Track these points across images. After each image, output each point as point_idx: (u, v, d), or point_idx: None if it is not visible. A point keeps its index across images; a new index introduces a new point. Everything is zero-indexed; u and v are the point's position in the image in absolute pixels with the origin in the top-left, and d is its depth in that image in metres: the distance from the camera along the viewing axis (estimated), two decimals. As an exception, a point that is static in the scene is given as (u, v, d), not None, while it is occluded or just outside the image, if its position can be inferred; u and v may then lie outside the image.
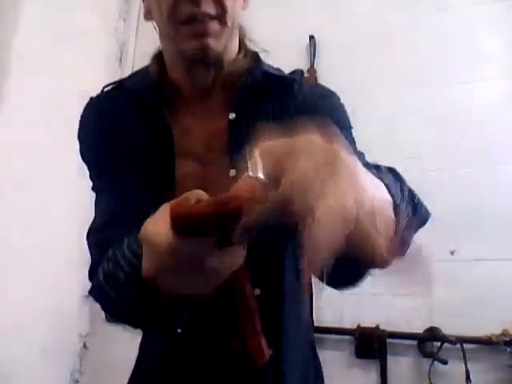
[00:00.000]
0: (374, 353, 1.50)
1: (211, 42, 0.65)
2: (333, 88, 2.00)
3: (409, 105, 1.72)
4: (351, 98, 1.94)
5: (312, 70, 1.86)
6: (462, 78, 1.68)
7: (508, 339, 1.39)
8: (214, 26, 0.64)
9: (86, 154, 0.81)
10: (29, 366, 1.65)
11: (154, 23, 0.71)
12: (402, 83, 1.76)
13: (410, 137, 1.69)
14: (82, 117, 0.81)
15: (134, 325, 0.64)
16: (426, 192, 1.79)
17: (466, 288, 1.49)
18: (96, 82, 2.13)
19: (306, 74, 1.87)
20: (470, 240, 1.53)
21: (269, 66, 0.77)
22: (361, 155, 0.75)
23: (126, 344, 1.85)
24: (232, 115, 0.70)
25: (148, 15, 0.73)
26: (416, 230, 0.64)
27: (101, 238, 0.69)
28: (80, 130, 0.81)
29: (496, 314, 1.43)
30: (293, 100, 0.75)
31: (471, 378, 1.38)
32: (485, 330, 1.42)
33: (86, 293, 1.82)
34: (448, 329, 1.45)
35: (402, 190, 0.59)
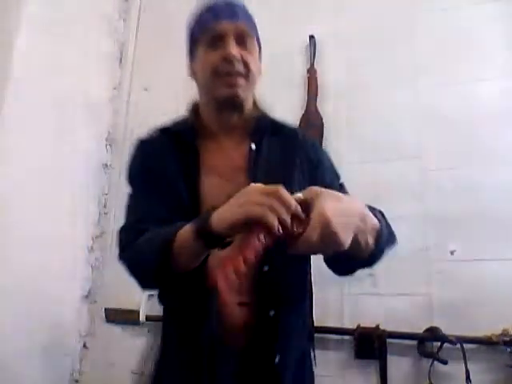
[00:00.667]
0: (374, 353, 1.50)
1: (239, 91, 0.94)
2: (333, 88, 2.02)
3: (409, 105, 1.72)
4: (351, 98, 1.96)
5: (312, 69, 1.86)
6: (462, 78, 1.68)
7: (508, 339, 1.39)
8: (242, 80, 0.94)
9: (132, 179, 1.01)
10: (29, 366, 1.65)
11: (197, 81, 1.01)
12: (401, 83, 1.76)
13: (409, 137, 1.69)
14: (132, 152, 1.03)
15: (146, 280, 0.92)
16: (426, 192, 1.80)
17: (466, 288, 1.49)
18: (96, 82, 2.16)
19: (306, 74, 1.87)
20: (470, 240, 1.53)
21: (274, 118, 1.06)
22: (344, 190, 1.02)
23: (126, 344, 1.86)
24: (253, 145, 0.97)
25: (192, 75, 1.03)
26: (389, 247, 0.86)
27: (133, 229, 0.91)
28: (129, 161, 1.02)
29: (496, 314, 1.43)
30: (296, 139, 1.03)
31: (471, 378, 1.37)
32: (485, 330, 1.42)
33: (86, 293, 1.87)
34: (448, 329, 1.44)
35: (383, 216, 0.88)
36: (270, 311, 0.88)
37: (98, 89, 2.13)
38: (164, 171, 0.94)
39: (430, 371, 1.42)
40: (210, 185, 0.92)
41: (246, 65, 0.94)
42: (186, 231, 0.76)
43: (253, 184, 0.71)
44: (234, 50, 0.93)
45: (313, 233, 0.67)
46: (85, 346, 1.95)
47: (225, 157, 0.97)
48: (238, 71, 0.93)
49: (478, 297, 1.46)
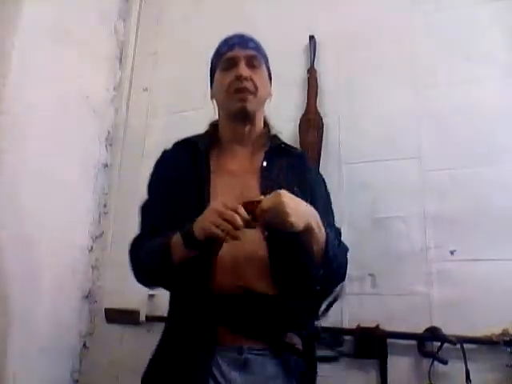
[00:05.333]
0: (374, 353, 1.50)
1: (248, 105, 1.12)
2: (333, 88, 2.02)
3: (409, 105, 1.72)
4: (351, 98, 1.96)
5: (312, 69, 1.86)
6: (462, 78, 1.68)
7: (508, 339, 1.39)
8: (250, 96, 1.13)
9: (152, 183, 1.20)
10: (29, 366, 1.65)
11: (216, 100, 1.21)
12: (401, 83, 1.75)
13: (409, 137, 1.69)
14: (156, 161, 1.22)
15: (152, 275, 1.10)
16: (426, 192, 1.80)
17: (466, 288, 1.49)
18: (96, 82, 2.16)
19: (306, 74, 1.87)
20: (470, 240, 1.53)
21: (283, 141, 1.25)
22: (330, 214, 1.19)
23: (126, 344, 1.86)
24: (265, 163, 1.14)
25: (212, 96, 1.23)
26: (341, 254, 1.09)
27: (145, 235, 1.13)
28: (153, 168, 1.22)
29: (496, 314, 1.43)
30: (302, 162, 1.23)
31: (471, 377, 1.37)
32: (485, 330, 1.42)
33: (86, 293, 1.87)
34: (448, 329, 1.44)
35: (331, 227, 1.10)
36: (291, 303, 0.99)
37: (97, 89, 2.13)
38: (177, 176, 1.12)
39: (429, 371, 1.42)
40: (221, 183, 1.09)
41: (254, 84, 1.13)
42: (178, 238, 0.97)
43: (216, 201, 0.96)
44: (244, 70, 1.12)
45: (265, 203, 0.91)
46: (85, 346, 1.95)
47: (237, 162, 1.16)
48: (247, 88, 1.12)
49: (478, 297, 1.46)
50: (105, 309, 1.93)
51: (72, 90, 1.95)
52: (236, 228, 0.88)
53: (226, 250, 0.96)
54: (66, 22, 1.91)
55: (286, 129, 1.64)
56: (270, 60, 1.25)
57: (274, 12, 1.99)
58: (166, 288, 1.12)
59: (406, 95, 1.74)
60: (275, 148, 1.18)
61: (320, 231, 0.98)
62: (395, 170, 1.67)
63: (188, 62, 2.13)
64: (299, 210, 0.93)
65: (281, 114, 1.55)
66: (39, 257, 1.73)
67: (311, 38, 1.89)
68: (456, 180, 1.59)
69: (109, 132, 2.17)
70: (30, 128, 1.72)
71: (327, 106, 1.82)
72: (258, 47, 1.20)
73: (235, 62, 1.14)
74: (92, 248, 2.02)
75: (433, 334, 1.45)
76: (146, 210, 1.18)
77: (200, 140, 1.18)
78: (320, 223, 0.99)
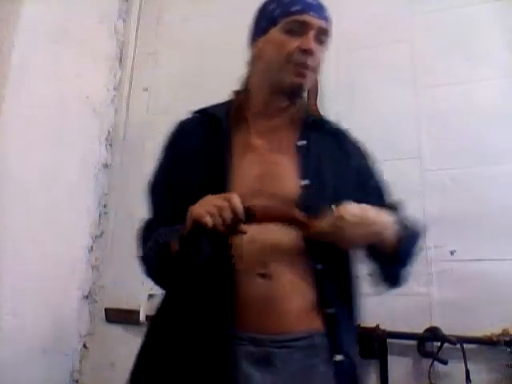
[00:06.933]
0: (374, 353, 1.50)
1: (305, 82, 0.99)
2: (333, 88, 2.01)
3: (408, 105, 1.72)
4: (351, 98, 1.95)
5: (312, 69, 1.85)
6: (462, 78, 1.68)
7: (508, 339, 1.39)
8: (310, 73, 0.98)
9: (163, 160, 1.06)
10: (29, 366, 1.65)
11: (260, 58, 1.02)
12: (401, 83, 1.75)
13: (409, 137, 1.69)
14: (169, 133, 1.09)
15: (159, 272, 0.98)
16: (426, 192, 1.80)
17: (466, 288, 1.49)
18: (96, 81, 2.16)
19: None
20: (470, 240, 1.53)
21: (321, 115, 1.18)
22: (384, 192, 1.09)
23: (126, 344, 1.86)
24: (302, 142, 1.00)
25: (257, 53, 1.02)
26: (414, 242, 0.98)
27: (151, 226, 1.01)
28: (165, 140, 1.08)
29: (496, 313, 1.43)
30: (343, 140, 1.08)
31: (471, 377, 1.37)
32: (485, 330, 1.42)
33: (86, 293, 1.87)
34: (448, 329, 1.44)
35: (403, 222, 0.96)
36: (328, 309, 0.89)
37: (97, 89, 2.13)
38: (192, 155, 0.99)
39: (429, 371, 1.42)
40: (244, 163, 0.96)
41: (316, 60, 0.99)
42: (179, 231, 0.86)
43: (209, 196, 0.82)
44: (314, 46, 0.96)
45: (326, 223, 0.82)
46: (85, 346, 1.95)
47: (266, 137, 1.01)
48: (310, 64, 0.97)
49: (478, 297, 1.46)
50: (105, 309, 1.93)
51: (72, 90, 1.95)
52: (226, 224, 0.78)
53: (250, 236, 0.83)
54: (66, 21, 1.91)
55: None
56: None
57: (274, 12, 1.99)
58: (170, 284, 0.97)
59: (406, 95, 1.74)
60: (313, 123, 1.05)
61: (391, 231, 0.87)
62: (395, 170, 1.67)
63: (188, 62, 2.13)
64: (365, 228, 0.83)
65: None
66: (39, 256, 1.73)
67: (311, 38, 1.89)
68: (456, 180, 1.59)
69: (109, 132, 2.17)
70: (30, 128, 1.72)
71: (327, 106, 1.82)
72: (330, 19, 1.03)
73: (305, 29, 0.96)
74: (92, 248, 2.02)
75: (433, 333, 1.45)
76: (155, 191, 1.04)
77: (221, 112, 1.03)
78: (391, 223, 0.88)
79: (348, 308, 0.95)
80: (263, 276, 0.87)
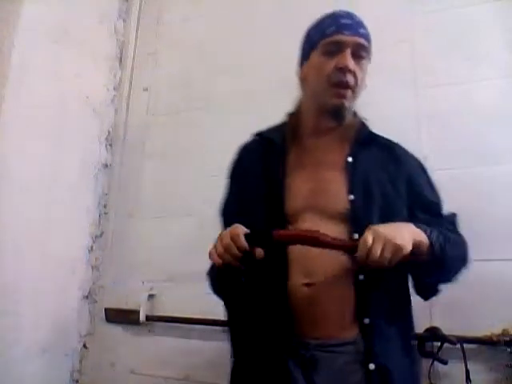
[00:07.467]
0: (374, 353, 1.50)
1: (345, 102, 1.03)
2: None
3: (409, 105, 1.72)
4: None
5: (312, 69, 1.85)
6: (462, 78, 1.68)
7: (508, 339, 1.39)
8: (349, 93, 1.02)
9: (228, 184, 1.15)
10: (29, 367, 1.65)
11: (306, 83, 1.09)
12: (401, 83, 1.75)
13: (409, 137, 1.68)
14: (234, 155, 1.16)
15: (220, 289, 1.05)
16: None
17: (466, 288, 1.48)
18: (96, 81, 2.16)
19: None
20: (470, 240, 1.52)
21: (372, 131, 1.13)
22: (436, 205, 1.12)
23: (126, 344, 1.86)
24: (350, 159, 1.03)
25: (302, 76, 1.10)
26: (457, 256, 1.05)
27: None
28: (230, 164, 1.17)
29: (496, 313, 1.43)
30: (396, 154, 1.09)
31: (471, 377, 1.37)
32: (485, 330, 1.42)
33: (86, 293, 1.88)
34: (448, 329, 1.44)
35: (441, 234, 0.98)
36: (364, 319, 0.92)
37: (97, 89, 2.13)
38: (250, 171, 1.08)
39: (429, 371, 1.42)
40: (296, 180, 1.01)
41: (356, 78, 1.02)
42: None
43: (228, 228, 0.91)
44: (350, 62, 1.00)
45: (364, 245, 0.84)
46: (85, 346, 1.95)
47: (318, 155, 1.06)
48: (349, 83, 1.01)
49: (478, 296, 1.46)
50: (105, 309, 1.93)
51: (72, 90, 1.95)
52: (237, 258, 0.86)
53: (297, 249, 0.92)
54: (66, 21, 1.91)
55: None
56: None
57: (274, 12, 1.99)
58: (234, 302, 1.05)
59: (406, 95, 1.73)
60: (363, 139, 1.08)
61: (421, 243, 0.90)
62: (395, 169, 1.67)
63: (188, 61, 2.13)
64: (391, 245, 0.84)
65: (281, 115, 1.55)
66: (39, 256, 1.72)
67: (311, 37, 1.89)
68: (456, 180, 1.59)
69: (109, 132, 2.17)
70: (30, 128, 1.72)
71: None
72: (367, 34, 1.08)
73: (341, 48, 1.01)
74: (92, 248, 2.02)
75: (433, 333, 1.45)
76: (224, 214, 1.13)
77: (277, 135, 1.10)
78: (417, 234, 0.91)
79: (392, 318, 0.96)
80: (308, 285, 0.93)
